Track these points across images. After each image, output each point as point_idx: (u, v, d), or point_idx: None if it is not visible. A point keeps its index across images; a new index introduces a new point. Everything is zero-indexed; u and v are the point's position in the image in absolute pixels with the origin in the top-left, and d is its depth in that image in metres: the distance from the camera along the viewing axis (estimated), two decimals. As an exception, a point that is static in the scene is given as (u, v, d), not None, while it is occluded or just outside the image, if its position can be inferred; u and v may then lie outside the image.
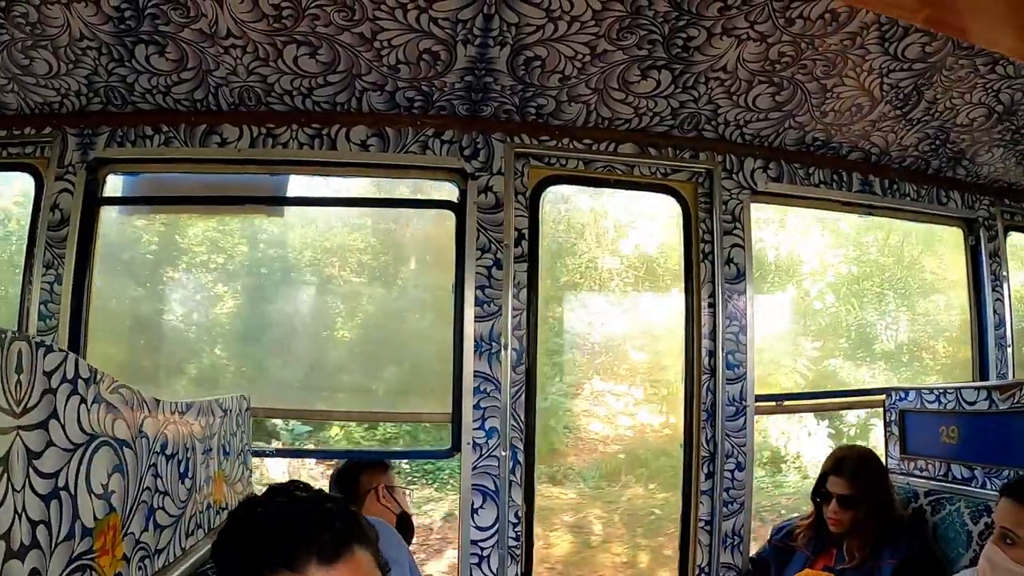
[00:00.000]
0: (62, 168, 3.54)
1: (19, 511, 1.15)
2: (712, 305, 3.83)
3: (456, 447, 3.56)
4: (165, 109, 3.54)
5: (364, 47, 3.04)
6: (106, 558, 1.48)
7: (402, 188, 3.89)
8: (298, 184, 3.81)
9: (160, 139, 3.57)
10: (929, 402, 3.65)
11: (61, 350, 1.32)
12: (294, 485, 1.36)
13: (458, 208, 3.65)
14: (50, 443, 1.26)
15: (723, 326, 3.81)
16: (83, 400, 1.39)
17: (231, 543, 1.32)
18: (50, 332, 3.39)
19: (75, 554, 1.34)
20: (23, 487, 1.17)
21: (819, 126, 3.83)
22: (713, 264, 3.84)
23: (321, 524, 1.27)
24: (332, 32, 2.94)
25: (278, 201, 3.84)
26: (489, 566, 3.51)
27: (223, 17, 2.83)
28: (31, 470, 1.20)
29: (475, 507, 3.49)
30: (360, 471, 3.08)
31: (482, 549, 3.50)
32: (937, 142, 4.06)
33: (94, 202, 3.62)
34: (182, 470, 2.02)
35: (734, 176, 3.93)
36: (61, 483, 1.30)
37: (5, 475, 1.12)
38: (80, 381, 1.38)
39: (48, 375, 1.26)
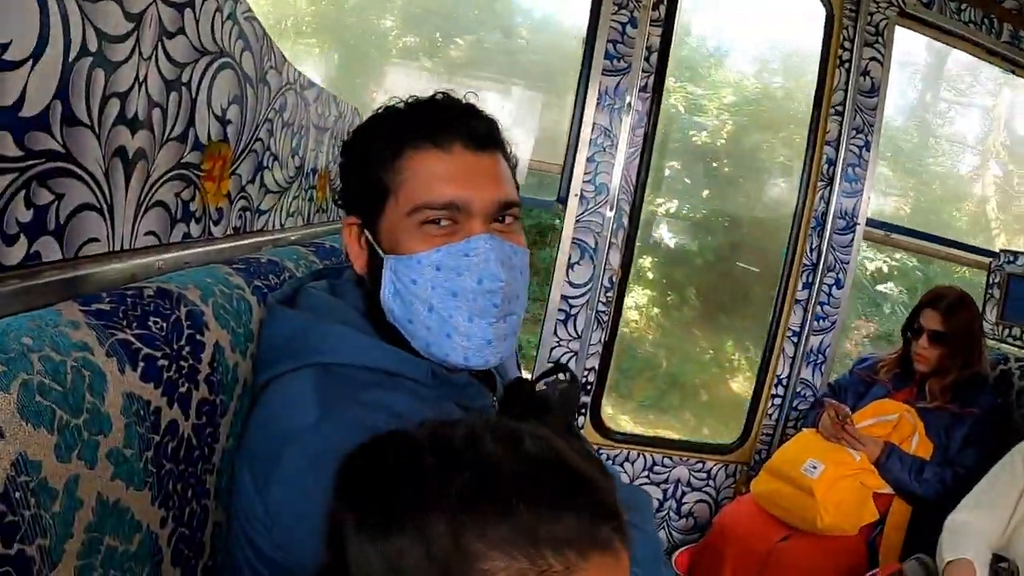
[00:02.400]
0: None
1: (140, 79, 1.11)
2: (840, 114, 3.71)
3: (564, 197, 3.53)
4: None
5: None
6: (211, 184, 1.45)
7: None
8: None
9: None
10: (1039, 269, 3.51)
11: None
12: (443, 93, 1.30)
13: None
14: (182, 30, 1.21)
15: (848, 137, 3.69)
16: (219, 8, 1.34)
17: (374, 122, 1.29)
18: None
19: (183, 159, 1.31)
20: (151, 58, 1.13)
21: (982, -43, 3.51)
22: (848, 73, 3.69)
23: (473, 113, 1.24)
24: None
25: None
26: (575, 326, 3.55)
27: None
28: (161, 47, 1.15)
29: (572, 262, 3.50)
30: None
31: (571, 307, 3.52)
32: (1097, 10, 3.70)
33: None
34: (293, 144, 1.99)
35: None
36: (185, 78, 1.26)
37: (136, 35, 1.07)
38: (222, -12, 1.33)
39: (193, -38, 1.21)
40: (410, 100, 1.27)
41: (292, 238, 2.04)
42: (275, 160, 1.84)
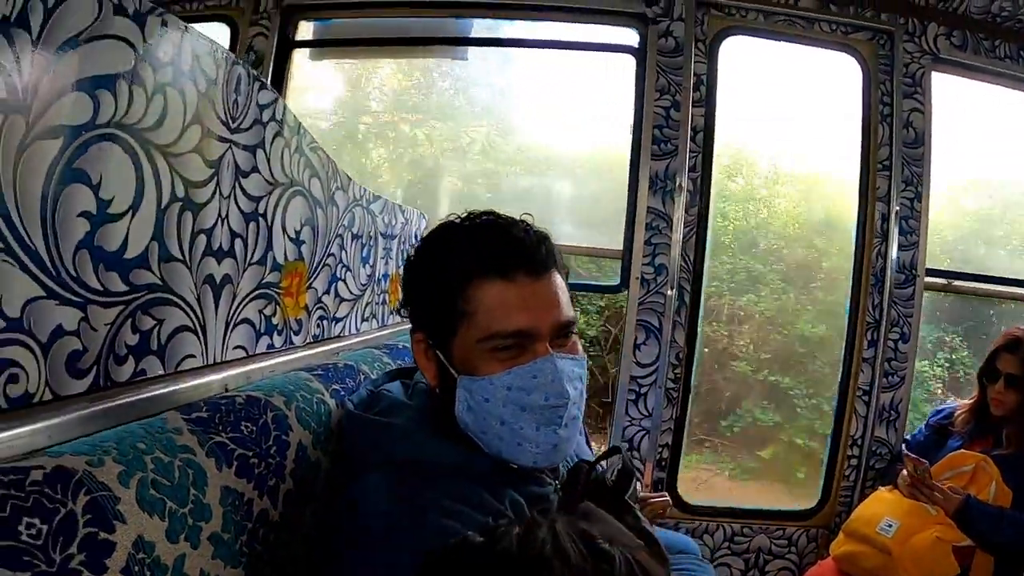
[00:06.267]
0: (256, 15, 3.75)
1: (223, 216, 1.29)
2: (888, 168, 3.71)
3: (624, 282, 3.60)
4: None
5: None
6: (290, 300, 1.63)
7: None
8: (481, 28, 3.88)
9: (350, -15, 3.70)
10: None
11: (274, 91, 1.45)
12: (493, 212, 1.38)
13: (638, 52, 3.62)
14: (255, 168, 1.40)
15: (898, 190, 3.68)
16: (287, 144, 1.52)
17: (439, 248, 1.37)
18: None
19: (264, 280, 1.49)
20: (229, 196, 1.31)
21: (1006, -8, 3.56)
22: (891, 127, 3.70)
23: (532, 241, 1.32)
24: None
25: (462, 42, 3.93)
26: (645, 405, 3.56)
27: None
28: (238, 185, 1.33)
29: (638, 343, 3.53)
30: None
31: (640, 386, 3.55)
32: None
33: (287, 45, 3.83)
34: (364, 254, 2.17)
35: (916, 40, 3.74)
36: (261, 209, 1.44)
37: (216, 178, 1.25)
38: (287, 126, 1.51)
39: (260, 108, 1.39)
40: (470, 222, 1.37)
41: (367, 341, 2.20)
42: (348, 271, 2.01)
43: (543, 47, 3.97)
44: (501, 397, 1.28)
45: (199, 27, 3.69)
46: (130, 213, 1.05)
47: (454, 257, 1.32)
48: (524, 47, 4.01)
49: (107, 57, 0.98)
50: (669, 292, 3.53)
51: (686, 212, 3.57)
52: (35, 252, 0.90)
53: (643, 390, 3.55)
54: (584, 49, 3.88)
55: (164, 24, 1.08)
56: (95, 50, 0.95)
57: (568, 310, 1.34)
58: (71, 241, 0.95)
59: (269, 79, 3.72)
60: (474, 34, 3.88)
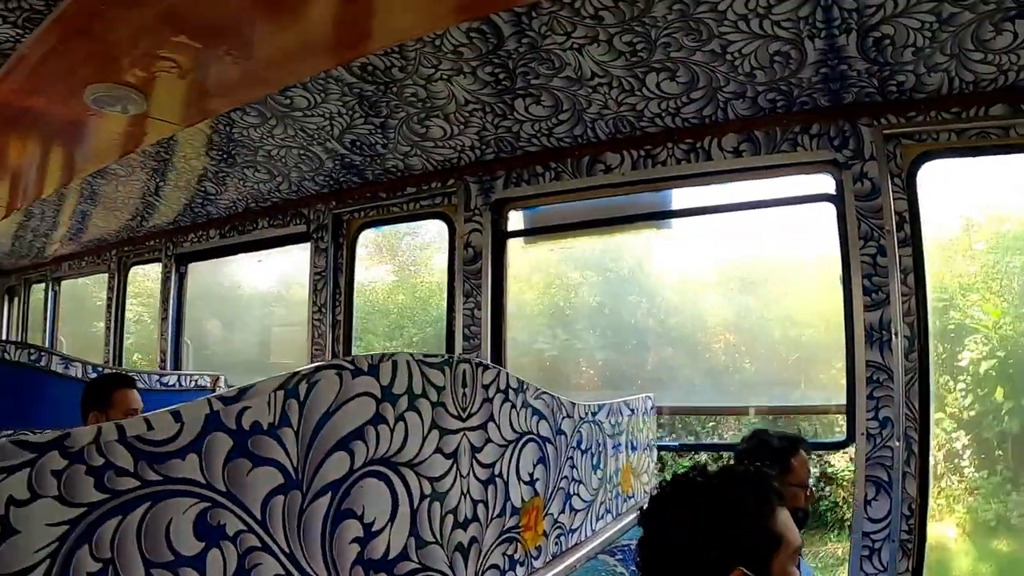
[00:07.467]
0: (469, 212, 4.15)
1: (464, 492, 1.52)
2: None
3: (851, 438, 3.51)
4: (550, 148, 3.96)
5: (717, 62, 3.12)
6: (529, 533, 1.84)
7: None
8: (680, 196, 4.03)
9: (551, 175, 4.01)
10: None
11: (495, 367, 1.69)
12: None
13: (836, 199, 3.59)
14: (488, 440, 1.63)
15: None
16: (513, 406, 1.76)
17: (742, 495, 1.58)
18: (473, 351, 3.98)
19: (505, 528, 1.71)
20: (468, 474, 1.54)
21: None
22: None
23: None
24: (685, 55, 3.05)
25: (664, 215, 4.09)
26: (880, 559, 3.41)
27: (585, 62, 3.08)
28: (474, 461, 1.56)
29: (868, 498, 3.42)
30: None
31: (873, 542, 3.42)
32: None
33: (500, 237, 4.17)
34: (594, 462, 2.35)
35: None
36: (497, 471, 1.67)
37: (455, 465, 1.49)
38: (511, 391, 1.75)
39: (486, 387, 1.64)
40: (748, 470, 1.65)
41: (603, 542, 2.36)
42: (580, 484, 2.20)
43: (743, 209, 3.99)
44: None
45: (420, 224, 4.22)
46: (389, 524, 1.30)
47: (761, 496, 1.58)
48: (724, 212, 3.99)
49: (354, 414, 1.24)
50: (897, 443, 3.40)
51: (905, 359, 3.44)
52: (322, 582, 1.15)
53: (876, 545, 3.40)
54: (782, 204, 3.85)
55: (394, 365, 1.33)
56: (345, 413, 1.22)
57: None
58: (346, 564, 1.21)
59: (490, 269, 4.06)
60: (675, 203, 4.04)
